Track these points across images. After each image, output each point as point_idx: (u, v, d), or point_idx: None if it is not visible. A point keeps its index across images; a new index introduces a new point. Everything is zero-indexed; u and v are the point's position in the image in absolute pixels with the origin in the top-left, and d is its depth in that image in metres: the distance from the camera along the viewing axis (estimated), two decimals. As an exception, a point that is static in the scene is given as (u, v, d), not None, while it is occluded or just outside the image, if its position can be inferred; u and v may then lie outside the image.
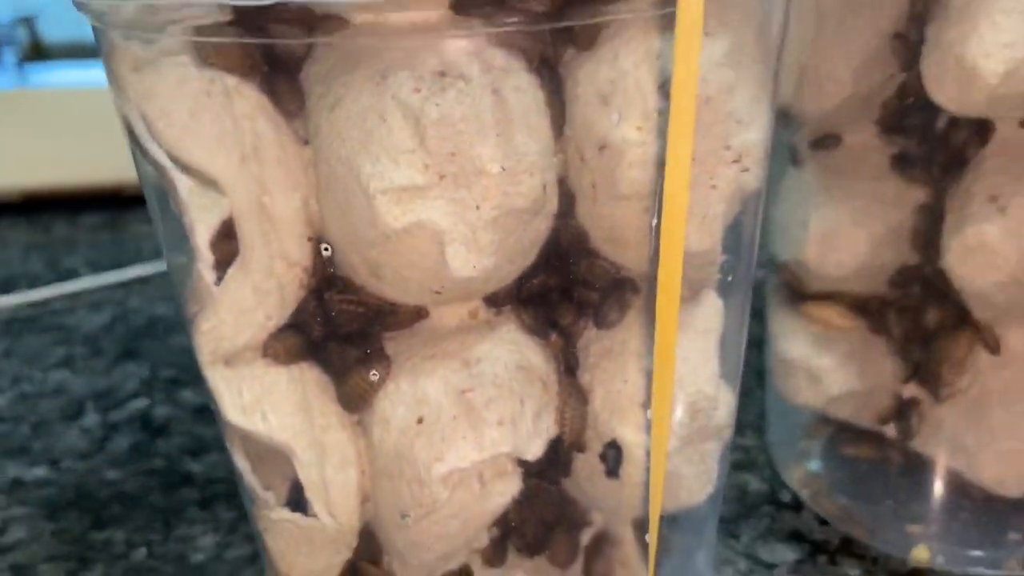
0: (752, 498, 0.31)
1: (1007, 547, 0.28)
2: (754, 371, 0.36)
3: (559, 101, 0.19)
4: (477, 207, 0.18)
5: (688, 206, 0.19)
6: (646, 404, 0.20)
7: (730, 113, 0.18)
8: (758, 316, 0.32)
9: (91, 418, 0.37)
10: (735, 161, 0.19)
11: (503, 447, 0.19)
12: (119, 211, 0.59)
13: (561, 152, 0.19)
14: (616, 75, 0.18)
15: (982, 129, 0.26)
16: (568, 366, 0.21)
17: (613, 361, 0.21)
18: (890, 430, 0.30)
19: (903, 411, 0.29)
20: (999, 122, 0.25)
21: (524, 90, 0.18)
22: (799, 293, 0.30)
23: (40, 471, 0.34)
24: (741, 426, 0.35)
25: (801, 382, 0.30)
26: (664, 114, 0.18)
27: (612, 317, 0.21)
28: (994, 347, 0.27)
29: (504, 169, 0.18)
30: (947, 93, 0.24)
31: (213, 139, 0.18)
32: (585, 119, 0.19)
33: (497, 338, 0.20)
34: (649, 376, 0.20)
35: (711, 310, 0.21)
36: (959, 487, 0.28)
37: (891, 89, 0.27)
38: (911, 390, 0.29)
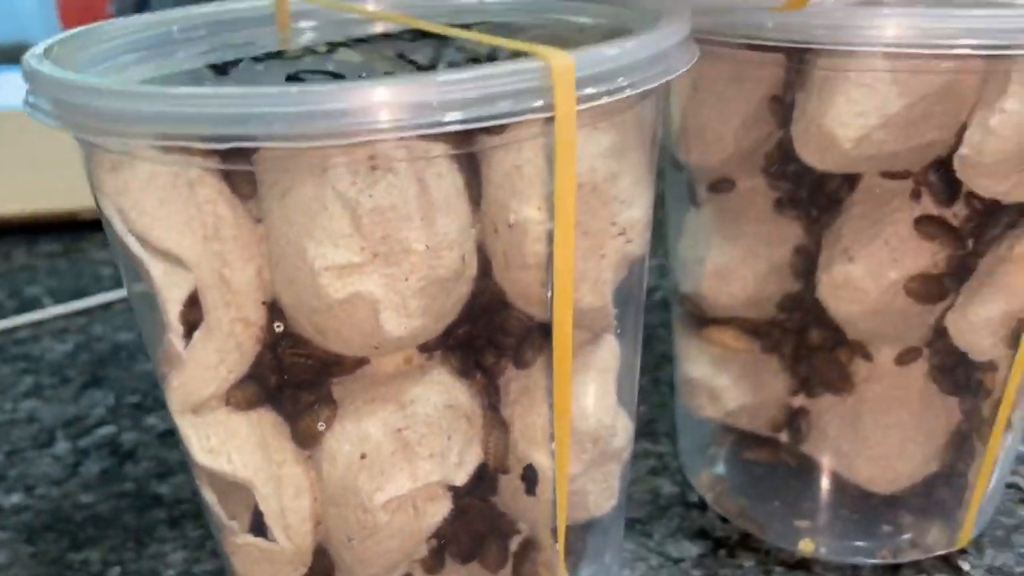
0: (664, 500, 0.35)
1: (880, 538, 0.33)
2: (668, 385, 0.40)
3: (476, 180, 0.23)
4: (406, 279, 0.21)
5: (581, 274, 0.23)
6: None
7: (615, 196, 0.22)
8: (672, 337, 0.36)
9: (62, 445, 0.40)
10: (620, 234, 0.22)
11: (434, 476, 0.23)
12: (76, 236, 0.61)
13: (479, 223, 0.23)
14: (521, 162, 0.22)
15: (850, 177, 0.30)
16: (491, 402, 0.25)
17: (529, 397, 0.25)
18: (784, 436, 0.34)
19: (793, 420, 0.34)
20: (864, 172, 0.30)
21: (445, 176, 0.22)
22: (700, 319, 0.34)
23: (16, 498, 0.37)
24: (656, 435, 0.39)
25: (703, 399, 0.34)
26: (560, 197, 0.22)
27: (528, 358, 0.25)
28: (868, 358, 0.31)
29: (428, 247, 0.21)
30: (811, 154, 0.28)
31: (180, 224, 0.21)
32: (497, 198, 0.22)
33: (428, 380, 0.24)
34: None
35: (608, 352, 0.25)
36: (839, 486, 0.33)
37: (771, 144, 0.31)
38: (799, 401, 0.33)
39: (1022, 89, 0.24)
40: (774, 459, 0.35)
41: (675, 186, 0.34)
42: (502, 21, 0.27)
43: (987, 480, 0.31)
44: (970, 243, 0.29)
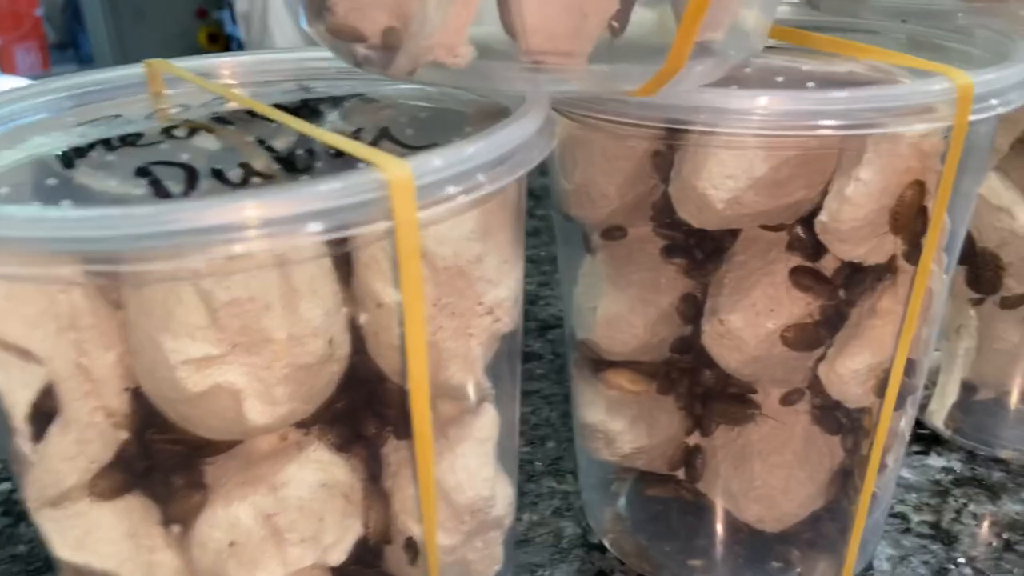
0: (567, 542, 0.36)
1: (771, 574, 0.34)
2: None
3: (347, 260, 0.22)
4: (269, 367, 0.21)
5: (451, 353, 0.23)
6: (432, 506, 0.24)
7: (480, 277, 0.22)
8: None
9: (-48, 505, 0.38)
10: (488, 313, 0.23)
11: (306, 561, 0.23)
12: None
13: (351, 301, 0.23)
14: (387, 245, 0.22)
15: (733, 228, 0.31)
16: (372, 474, 0.25)
17: (408, 468, 0.25)
18: (681, 474, 0.35)
19: (689, 458, 0.34)
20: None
21: (309, 261, 0.21)
22: (596, 363, 0.34)
23: (-99, 565, 0.35)
24: (562, 472, 0.39)
25: (600, 443, 0.34)
26: (427, 280, 0.22)
27: (407, 428, 0.25)
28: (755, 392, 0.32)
29: (291, 335, 0.21)
30: (688, 212, 0.29)
31: (31, 317, 0.21)
32: (366, 281, 0.22)
33: (304, 458, 0.24)
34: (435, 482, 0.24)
35: (487, 421, 0.25)
36: (731, 525, 0.34)
37: (657, 194, 0.31)
38: (694, 439, 0.34)
39: (877, 159, 0.25)
40: (673, 495, 0.35)
41: (568, 235, 0.35)
42: (379, 94, 0.26)
43: (863, 517, 0.32)
44: (842, 293, 0.29)
